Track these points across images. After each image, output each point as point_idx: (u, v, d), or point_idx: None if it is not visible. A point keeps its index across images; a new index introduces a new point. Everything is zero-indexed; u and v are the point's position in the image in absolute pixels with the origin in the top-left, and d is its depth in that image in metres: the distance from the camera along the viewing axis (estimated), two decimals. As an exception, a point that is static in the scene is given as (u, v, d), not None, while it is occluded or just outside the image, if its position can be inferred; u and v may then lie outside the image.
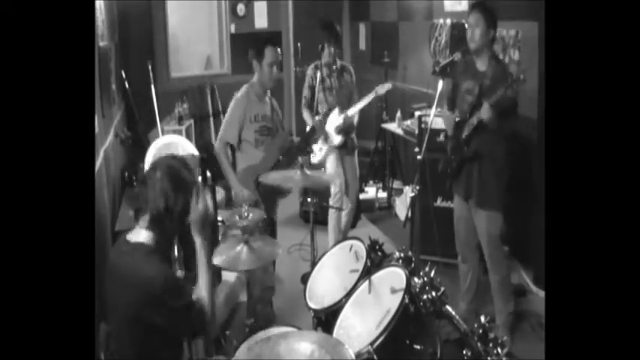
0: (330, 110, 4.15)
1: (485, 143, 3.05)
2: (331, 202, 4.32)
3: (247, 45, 6.38)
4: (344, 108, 4.18)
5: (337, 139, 4.19)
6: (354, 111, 4.17)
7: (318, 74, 4.13)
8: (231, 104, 3.40)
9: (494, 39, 3.09)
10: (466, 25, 3.12)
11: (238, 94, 3.41)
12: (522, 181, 3.81)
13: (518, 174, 3.28)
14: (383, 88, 4.11)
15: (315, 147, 4.25)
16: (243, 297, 2.91)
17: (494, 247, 3.17)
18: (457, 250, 3.44)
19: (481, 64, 3.09)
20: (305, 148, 4.00)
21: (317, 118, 4.08)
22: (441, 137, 3.30)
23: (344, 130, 4.17)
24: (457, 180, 3.23)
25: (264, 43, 3.34)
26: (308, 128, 4.25)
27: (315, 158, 4.25)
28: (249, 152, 3.38)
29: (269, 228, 3.37)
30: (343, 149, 4.25)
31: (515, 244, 4.06)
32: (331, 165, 4.22)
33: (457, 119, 3.18)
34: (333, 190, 4.26)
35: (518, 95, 2.94)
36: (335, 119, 4.18)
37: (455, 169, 3.20)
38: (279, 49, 3.37)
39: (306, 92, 4.25)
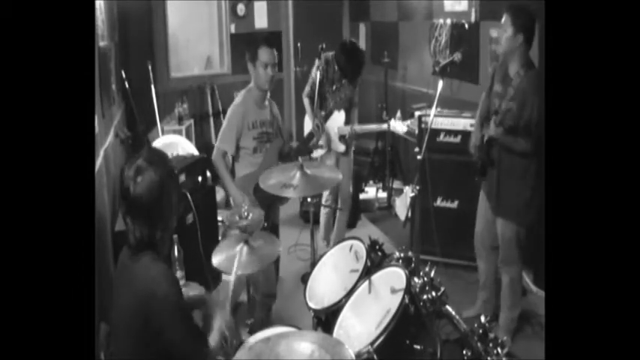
0: (331, 111, 4.13)
1: (501, 154, 3.02)
2: (323, 201, 4.46)
3: (247, 45, 6.44)
4: (345, 110, 4.20)
5: (341, 147, 4.25)
6: (361, 129, 4.29)
7: (319, 73, 4.11)
8: (229, 112, 3.25)
9: (525, 44, 2.89)
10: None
11: (236, 101, 3.26)
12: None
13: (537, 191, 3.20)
14: (397, 128, 4.23)
15: (318, 152, 4.27)
16: (244, 297, 2.91)
17: (506, 249, 3.16)
18: (474, 246, 3.43)
19: (512, 69, 2.98)
20: (304, 152, 3.93)
21: (316, 121, 4.03)
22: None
23: (348, 140, 4.23)
24: (485, 179, 3.21)
25: (258, 44, 3.19)
26: (306, 131, 4.27)
27: (315, 154, 4.28)
28: (247, 159, 3.26)
29: (271, 233, 3.27)
30: (341, 154, 4.31)
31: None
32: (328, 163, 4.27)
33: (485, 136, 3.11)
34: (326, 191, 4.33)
35: (512, 126, 2.84)
36: (338, 120, 4.19)
37: (481, 168, 3.17)
38: (274, 49, 3.20)
39: (311, 82, 4.22)
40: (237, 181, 3.27)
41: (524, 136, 2.86)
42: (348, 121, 4.23)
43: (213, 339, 1.86)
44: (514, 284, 3.23)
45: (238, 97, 3.28)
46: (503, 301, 3.26)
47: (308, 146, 3.95)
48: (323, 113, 4.10)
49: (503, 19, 2.92)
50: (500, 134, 2.90)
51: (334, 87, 4.16)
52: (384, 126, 4.26)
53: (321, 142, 4.21)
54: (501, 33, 2.94)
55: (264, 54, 3.16)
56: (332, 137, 4.22)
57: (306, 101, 4.26)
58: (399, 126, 4.19)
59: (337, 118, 4.20)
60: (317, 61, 4.17)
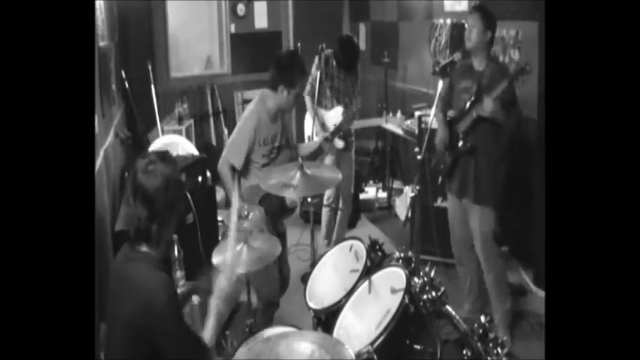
0: (341, 127, 4.11)
1: (482, 138, 3.06)
2: (325, 200, 4.45)
3: (249, 46, 6.46)
4: (345, 106, 4.20)
5: (339, 144, 4.23)
6: (358, 124, 4.37)
7: (318, 72, 4.13)
8: (242, 124, 3.09)
9: (492, 41, 3.08)
10: (466, 26, 3.13)
11: (248, 113, 3.10)
12: (521, 179, 3.82)
13: (516, 171, 3.27)
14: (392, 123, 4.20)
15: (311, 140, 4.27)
16: (243, 297, 2.90)
17: (486, 245, 3.17)
18: (453, 252, 3.44)
19: (478, 64, 3.10)
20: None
21: (324, 134, 3.98)
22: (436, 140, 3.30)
23: (345, 136, 4.22)
24: (451, 178, 3.24)
25: (299, 73, 3.07)
26: (306, 129, 4.29)
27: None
28: (255, 172, 3.11)
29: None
30: (341, 151, 4.30)
31: (515, 244, 4.06)
32: (328, 162, 4.27)
33: (451, 116, 3.19)
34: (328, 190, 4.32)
35: (521, 85, 2.96)
36: (335, 116, 4.20)
37: (449, 166, 3.20)
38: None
39: (311, 81, 4.22)
40: (243, 191, 3.11)
41: (511, 112, 2.98)
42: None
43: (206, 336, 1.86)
44: (499, 281, 3.24)
45: (250, 109, 3.11)
46: (493, 302, 3.26)
47: (316, 158, 3.93)
48: (326, 111, 4.10)
49: (470, 18, 3.08)
50: (496, 109, 2.91)
51: (336, 82, 4.17)
52: (379, 120, 4.29)
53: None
54: (470, 29, 3.05)
55: (301, 84, 3.13)
56: (328, 127, 4.23)
57: (307, 99, 4.26)
58: (394, 123, 4.23)
59: (335, 114, 4.21)
60: (316, 60, 4.19)
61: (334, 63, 4.13)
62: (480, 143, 3.07)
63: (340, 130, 4.03)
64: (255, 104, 3.11)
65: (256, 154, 3.07)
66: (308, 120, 4.34)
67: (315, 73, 4.14)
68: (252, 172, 3.11)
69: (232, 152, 3.06)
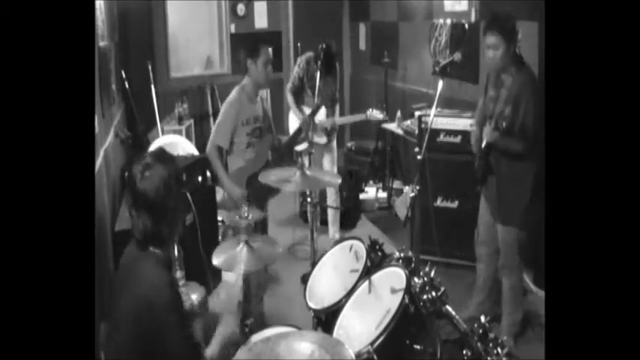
0: (317, 107, 4.22)
1: (497, 159, 3.02)
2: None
3: (247, 42, 6.45)
4: (328, 105, 4.35)
5: (322, 140, 4.39)
6: (342, 121, 4.59)
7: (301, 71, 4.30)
8: (224, 107, 3.38)
9: (515, 48, 2.91)
10: (486, 44, 2.93)
11: (230, 98, 3.39)
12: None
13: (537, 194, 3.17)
14: (374, 116, 4.33)
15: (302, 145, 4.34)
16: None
17: (506, 257, 3.14)
18: (475, 250, 3.42)
19: (504, 75, 2.99)
20: (292, 145, 4.07)
21: (303, 117, 4.17)
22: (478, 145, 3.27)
23: (329, 132, 4.40)
24: (485, 185, 3.20)
25: (258, 42, 3.39)
26: (291, 125, 4.39)
27: (299, 147, 4.35)
28: (240, 154, 3.38)
29: (260, 226, 3.35)
30: (323, 145, 4.44)
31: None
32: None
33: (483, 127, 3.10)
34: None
35: (507, 128, 2.82)
36: (320, 114, 4.33)
37: (483, 174, 3.16)
38: (270, 49, 3.38)
39: (292, 79, 4.40)
40: (231, 174, 3.38)
41: (519, 138, 2.85)
42: (329, 115, 4.40)
43: (211, 350, 1.86)
44: (515, 289, 3.21)
45: (232, 94, 3.39)
46: (504, 307, 3.24)
47: (297, 139, 4.05)
48: (308, 109, 4.20)
49: (488, 38, 2.85)
50: (496, 138, 2.89)
51: (318, 83, 4.21)
52: (362, 115, 4.40)
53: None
54: (493, 52, 2.86)
55: (266, 52, 3.32)
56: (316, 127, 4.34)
57: (288, 96, 4.42)
58: (376, 114, 4.31)
59: (319, 113, 4.32)
60: (298, 59, 4.39)
61: (316, 65, 4.24)
62: (499, 164, 3.02)
63: (319, 109, 4.19)
64: (236, 90, 3.41)
65: (240, 134, 3.33)
66: (292, 116, 4.48)
67: (298, 71, 4.33)
68: (237, 153, 3.38)
69: (218, 134, 3.35)
